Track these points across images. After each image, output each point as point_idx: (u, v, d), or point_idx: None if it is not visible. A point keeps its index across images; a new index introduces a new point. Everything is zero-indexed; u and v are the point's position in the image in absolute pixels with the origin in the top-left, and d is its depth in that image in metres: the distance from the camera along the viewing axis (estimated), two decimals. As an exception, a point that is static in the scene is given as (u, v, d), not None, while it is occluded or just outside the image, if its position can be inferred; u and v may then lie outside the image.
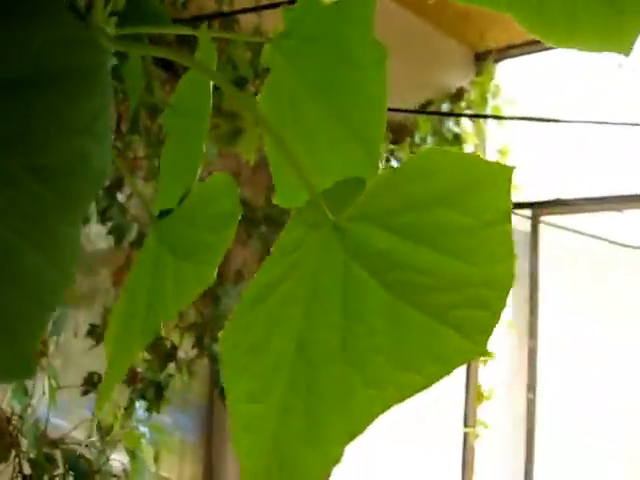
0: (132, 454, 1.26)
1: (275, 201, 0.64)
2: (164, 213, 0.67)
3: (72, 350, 1.86)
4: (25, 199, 0.31)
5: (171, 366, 1.83)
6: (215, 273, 0.55)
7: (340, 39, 0.53)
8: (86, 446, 1.46)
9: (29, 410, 1.38)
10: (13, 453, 1.32)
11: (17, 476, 1.32)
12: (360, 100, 0.51)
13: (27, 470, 1.37)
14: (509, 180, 0.40)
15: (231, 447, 0.45)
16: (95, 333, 1.64)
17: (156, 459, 1.66)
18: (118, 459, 1.46)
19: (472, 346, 0.34)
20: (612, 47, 0.40)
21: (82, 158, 0.31)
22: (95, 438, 1.49)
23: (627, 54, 0.39)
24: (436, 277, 0.38)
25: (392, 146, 2.23)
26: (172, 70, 1.57)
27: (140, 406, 1.52)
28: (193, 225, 0.61)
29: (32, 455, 1.36)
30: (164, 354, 1.83)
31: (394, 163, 2.29)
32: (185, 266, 0.59)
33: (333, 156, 0.58)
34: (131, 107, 1.08)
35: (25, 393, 1.32)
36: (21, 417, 1.35)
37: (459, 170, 0.42)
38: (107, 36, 0.50)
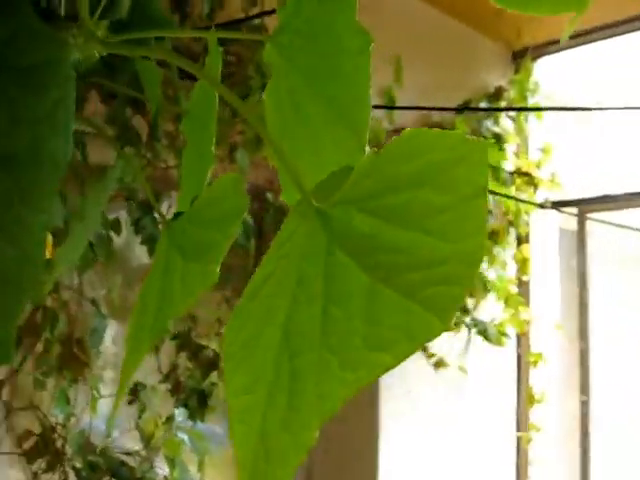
0: (171, 462, 1.28)
1: (282, 198, 0.65)
2: (177, 216, 0.68)
3: (119, 361, 1.90)
4: (-12, 189, 0.32)
5: (214, 374, 1.85)
6: (217, 271, 0.56)
7: (328, 29, 0.53)
8: (129, 454, 1.48)
9: (72, 419, 1.41)
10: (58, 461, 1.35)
11: (62, 483, 1.35)
12: (348, 87, 0.52)
13: (72, 478, 1.39)
14: (484, 154, 0.40)
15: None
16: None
17: (200, 467, 1.68)
18: (161, 467, 1.48)
19: (438, 322, 0.33)
20: (569, 6, 0.39)
21: (41, 146, 0.32)
22: (139, 447, 1.52)
23: (582, 11, 0.38)
24: (412, 256, 0.38)
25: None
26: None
27: (180, 414, 1.54)
28: (200, 225, 0.62)
29: (77, 464, 1.39)
30: (206, 362, 1.85)
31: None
32: (191, 266, 0.60)
33: (333, 146, 0.58)
34: (151, 114, 1.10)
35: (67, 402, 1.35)
36: (65, 426, 1.38)
37: (439, 149, 0.42)
38: (96, 39, 0.52)
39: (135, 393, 1.71)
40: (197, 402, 1.79)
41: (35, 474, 1.46)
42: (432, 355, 2.26)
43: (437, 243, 0.37)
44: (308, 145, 0.61)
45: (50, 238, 0.43)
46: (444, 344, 2.36)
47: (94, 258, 1.26)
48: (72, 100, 0.33)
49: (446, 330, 0.33)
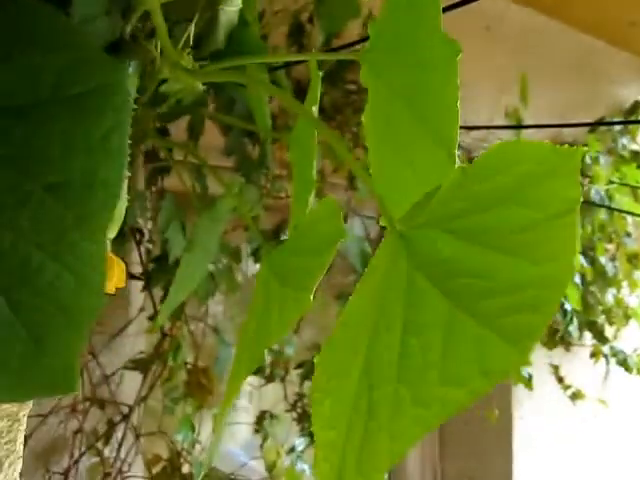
0: (290, 491, 1.27)
1: (381, 224, 0.63)
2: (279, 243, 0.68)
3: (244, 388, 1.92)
4: (45, 217, 0.32)
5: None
6: (311, 297, 0.54)
7: (415, 42, 0.51)
8: (254, 483, 1.49)
9: (197, 446, 1.43)
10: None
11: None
12: (436, 100, 0.49)
13: (197, 505, 1.41)
14: (576, 164, 0.36)
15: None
16: (261, 371, 1.68)
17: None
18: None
19: (515, 354, 0.30)
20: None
21: (94, 174, 0.32)
22: (264, 475, 1.52)
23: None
24: (494, 281, 0.35)
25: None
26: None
27: (300, 443, 1.52)
28: (297, 251, 0.61)
29: (202, 490, 1.40)
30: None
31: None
32: (286, 292, 0.59)
33: (426, 163, 0.56)
34: (261, 143, 1.11)
35: (192, 429, 1.38)
36: (190, 453, 1.40)
37: (529, 162, 0.38)
38: (181, 67, 0.52)
39: (260, 422, 1.72)
40: (322, 432, 1.78)
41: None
42: (569, 386, 2.13)
43: (521, 265, 0.33)
44: (403, 163, 0.59)
45: (123, 266, 0.43)
46: (582, 375, 2.23)
47: (215, 288, 1.28)
48: (127, 126, 0.32)
49: (523, 363, 0.29)
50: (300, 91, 1.84)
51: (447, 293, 0.36)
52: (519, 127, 1.93)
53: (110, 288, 0.42)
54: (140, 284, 1.49)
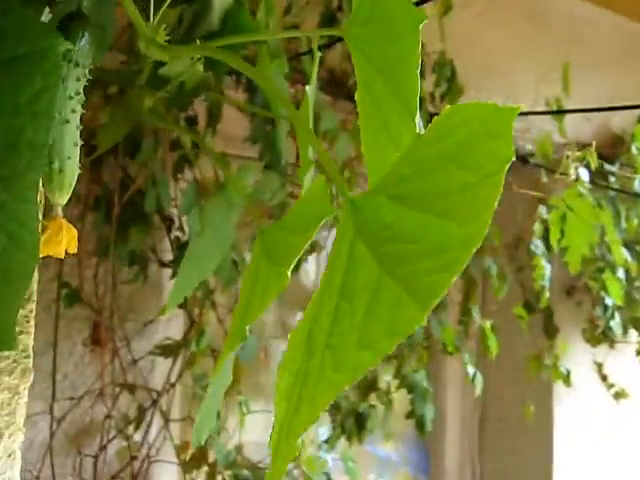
0: (307, 478, 1.27)
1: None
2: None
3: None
4: (-27, 178, 0.32)
5: (372, 396, 1.82)
6: (288, 273, 0.54)
7: (385, 14, 0.50)
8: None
9: (222, 434, 1.45)
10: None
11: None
12: (402, 70, 0.48)
13: (223, 491, 1.43)
14: (510, 124, 0.35)
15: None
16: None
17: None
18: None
19: (420, 313, 0.29)
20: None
21: (19, 135, 0.32)
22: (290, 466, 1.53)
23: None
24: (425, 244, 0.34)
25: (606, 164, 2.06)
26: (339, 92, 1.60)
27: (323, 434, 1.52)
28: (286, 228, 0.61)
29: (227, 478, 1.42)
30: (364, 384, 1.83)
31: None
32: (270, 269, 0.59)
33: (401, 134, 0.55)
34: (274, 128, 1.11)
35: (217, 415, 1.39)
36: (216, 438, 1.42)
37: (471, 124, 0.38)
38: (156, 44, 0.52)
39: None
40: (354, 424, 1.78)
41: (191, 484, 1.52)
42: (612, 385, 2.07)
43: (449, 227, 0.33)
44: (386, 138, 0.58)
45: (74, 232, 0.44)
46: (627, 373, 2.17)
47: (238, 275, 1.29)
48: (56, 90, 0.33)
49: (421, 322, 0.29)
50: (333, 81, 1.83)
51: (380, 258, 0.35)
52: (559, 112, 1.88)
53: (60, 252, 0.43)
54: (171, 271, 1.51)
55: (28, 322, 0.73)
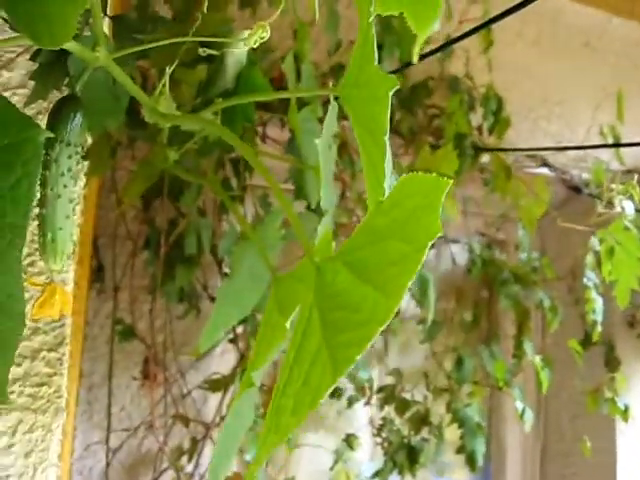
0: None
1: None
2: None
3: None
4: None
5: (425, 430, 1.82)
6: (287, 328, 0.57)
7: (367, 80, 0.53)
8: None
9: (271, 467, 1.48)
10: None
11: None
12: (374, 130, 0.51)
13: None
14: (439, 198, 0.37)
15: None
16: (339, 395, 1.71)
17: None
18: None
19: (332, 380, 0.32)
20: None
21: (2, 218, 0.37)
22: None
23: None
24: (359, 313, 0.36)
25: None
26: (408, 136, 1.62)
27: (368, 468, 1.53)
28: (294, 279, 0.64)
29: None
30: (416, 417, 1.82)
31: None
32: (280, 320, 0.63)
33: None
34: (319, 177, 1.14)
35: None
36: (263, 470, 1.44)
37: (416, 195, 0.40)
38: (157, 112, 0.57)
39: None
40: (406, 457, 1.77)
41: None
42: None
43: (379, 299, 0.35)
44: (379, 190, 0.60)
45: (68, 296, 0.48)
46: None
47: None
48: (35, 176, 0.37)
49: (331, 387, 0.31)
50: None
51: (326, 326, 0.38)
52: (611, 146, 1.86)
53: (54, 314, 0.47)
54: (221, 307, 1.56)
55: (61, 365, 0.78)
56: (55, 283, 0.47)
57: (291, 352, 0.43)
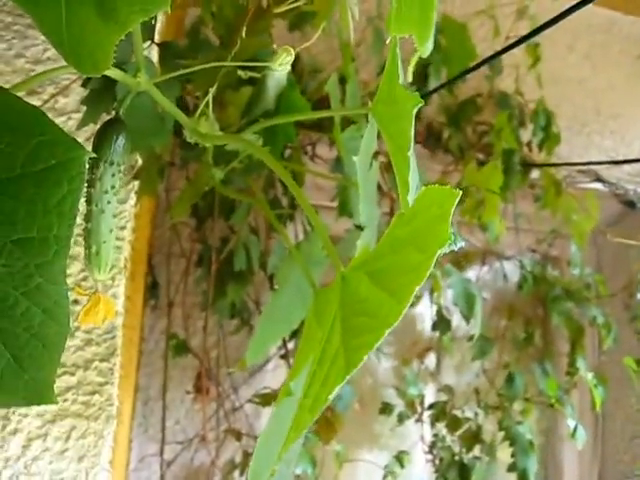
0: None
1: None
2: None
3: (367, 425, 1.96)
4: (15, 265, 0.40)
5: (477, 447, 1.81)
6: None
7: (396, 97, 0.55)
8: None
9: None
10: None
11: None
12: (401, 145, 0.53)
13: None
14: (449, 208, 0.39)
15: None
16: (390, 411, 1.71)
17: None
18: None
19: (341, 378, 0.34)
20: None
21: (49, 231, 0.40)
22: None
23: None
24: (378, 319, 0.38)
25: None
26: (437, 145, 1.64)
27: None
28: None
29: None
30: (469, 435, 1.81)
31: None
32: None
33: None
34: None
35: (312, 462, 1.44)
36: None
37: (434, 206, 0.42)
38: (198, 133, 0.60)
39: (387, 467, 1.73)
40: (457, 475, 1.76)
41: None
42: None
43: (392, 304, 0.37)
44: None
45: (112, 304, 0.51)
46: None
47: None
48: (79, 192, 0.40)
49: (340, 385, 0.33)
50: (430, 134, 1.88)
51: (345, 330, 0.40)
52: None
53: (98, 321, 0.50)
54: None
55: (112, 374, 0.82)
56: (100, 293, 0.50)
57: (316, 357, 0.45)
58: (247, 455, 1.62)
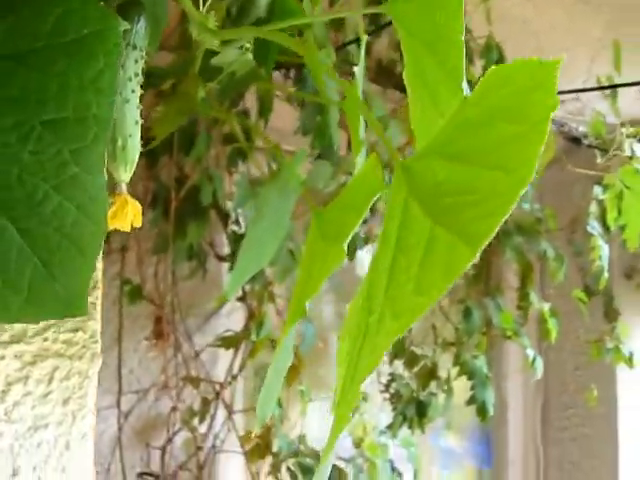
0: (372, 464, 1.28)
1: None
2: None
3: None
4: (46, 152, 0.35)
5: (433, 384, 1.82)
6: (344, 250, 0.56)
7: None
8: (343, 460, 1.51)
9: (284, 422, 1.47)
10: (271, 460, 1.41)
11: (275, 482, 1.41)
12: (445, 38, 0.49)
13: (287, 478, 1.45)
14: (555, 76, 0.36)
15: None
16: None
17: (416, 476, 1.66)
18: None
19: (472, 254, 0.30)
20: None
21: (86, 110, 0.34)
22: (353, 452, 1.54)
23: None
24: (476, 194, 0.35)
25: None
26: (387, 82, 1.60)
27: (384, 420, 1.53)
28: (339, 207, 0.63)
29: (290, 465, 1.44)
30: (424, 372, 1.83)
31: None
32: (326, 247, 0.62)
33: (448, 104, 0.56)
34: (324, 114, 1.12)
35: (279, 404, 1.41)
36: (278, 427, 1.44)
37: (515, 81, 0.39)
38: (207, 29, 0.54)
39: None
40: (415, 412, 1.78)
41: (257, 474, 1.54)
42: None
43: (496, 176, 0.34)
44: (434, 111, 0.59)
45: (138, 207, 0.46)
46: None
47: (295, 266, 1.31)
48: (116, 68, 0.35)
49: (473, 260, 0.30)
50: (381, 71, 1.84)
51: (432, 213, 0.37)
52: (608, 87, 1.85)
53: (126, 225, 0.45)
54: (228, 265, 1.54)
55: (95, 309, 0.75)
56: (125, 194, 0.44)
57: (382, 254, 0.41)
58: (206, 402, 1.58)
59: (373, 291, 0.40)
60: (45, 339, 0.72)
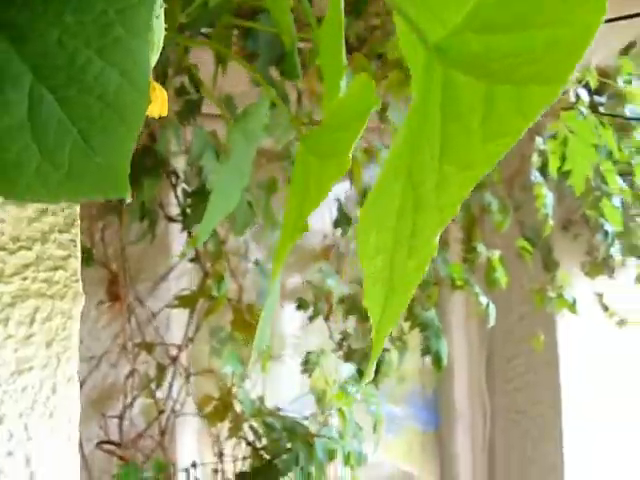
0: (342, 413, 1.28)
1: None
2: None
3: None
4: (89, 10, 0.32)
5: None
6: (349, 159, 0.55)
7: None
8: (305, 418, 1.50)
9: (247, 381, 1.46)
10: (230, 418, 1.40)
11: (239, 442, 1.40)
12: None
13: (250, 438, 1.44)
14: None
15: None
16: (304, 308, 1.70)
17: (376, 428, 1.68)
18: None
19: (552, 91, 0.30)
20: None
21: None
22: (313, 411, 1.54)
23: None
24: (528, 54, 0.35)
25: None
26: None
27: (347, 369, 1.54)
28: (331, 128, 0.62)
29: (253, 424, 1.43)
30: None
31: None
32: (325, 162, 0.61)
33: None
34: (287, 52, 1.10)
35: (240, 362, 1.40)
36: (240, 387, 1.43)
37: None
38: None
39: (307, 361, 1.73)
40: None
41: (217, 436, 1.53)
42: (614, 314, 2.11)
43: (555, 32, 0.33)
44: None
45: (165, 94, 0.44)
46: (627, 301, 2.20)
47: (253, 218, 1.29)
48: None
49: (556, 97, 0.30)
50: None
51: (483, 77, 0.36)
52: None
53: (153, 112, 0.43)
54: (178, 227, 1.51)
55: (75, 246, 0.72)
56: (152, 80, 0.42)
57: (422, 129, 0.41)
58: (161, 368, 1.55)
59: (416, 165, 0.40)
60: (24, 278, 0.69)
